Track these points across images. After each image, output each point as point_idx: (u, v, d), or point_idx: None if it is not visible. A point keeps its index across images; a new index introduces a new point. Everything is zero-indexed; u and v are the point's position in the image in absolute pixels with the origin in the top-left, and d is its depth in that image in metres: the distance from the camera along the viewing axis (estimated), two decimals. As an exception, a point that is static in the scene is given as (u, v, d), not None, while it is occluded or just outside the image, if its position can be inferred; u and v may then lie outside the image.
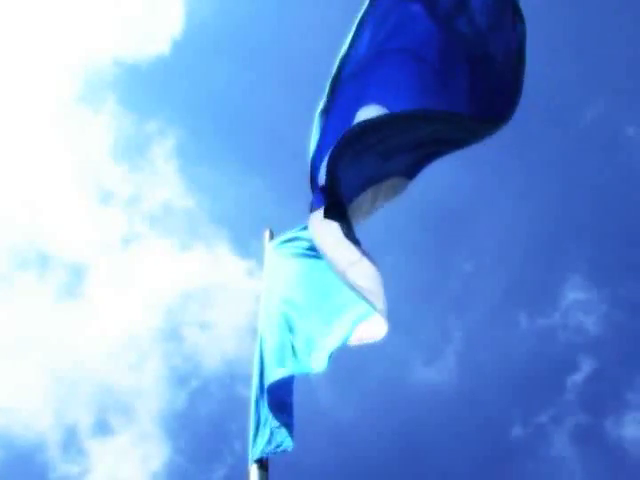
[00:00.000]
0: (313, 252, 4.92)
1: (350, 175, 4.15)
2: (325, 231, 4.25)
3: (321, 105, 4.23)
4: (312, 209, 4.33)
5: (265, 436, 4.06)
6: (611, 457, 13.16)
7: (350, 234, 4.12)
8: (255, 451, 4.02)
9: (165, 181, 15.17)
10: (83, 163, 15.63)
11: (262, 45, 14.95)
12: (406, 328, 13.39)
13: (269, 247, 5.30)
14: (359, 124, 4.14)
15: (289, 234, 5.32)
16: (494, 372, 13.73)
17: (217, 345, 14.22)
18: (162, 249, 14.91)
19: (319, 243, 4.39)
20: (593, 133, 14.10)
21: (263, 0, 15.68)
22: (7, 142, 15.32)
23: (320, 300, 4.68)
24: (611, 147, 14.00)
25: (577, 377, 13.37)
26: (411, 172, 4.45)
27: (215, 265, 14.76)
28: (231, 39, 15.19)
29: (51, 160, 15.54)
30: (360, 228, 4.47)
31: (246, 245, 14.19)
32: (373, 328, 4.32)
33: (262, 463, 3.93)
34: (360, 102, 4.27)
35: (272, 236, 5.43)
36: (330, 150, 4.05)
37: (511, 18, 4.00)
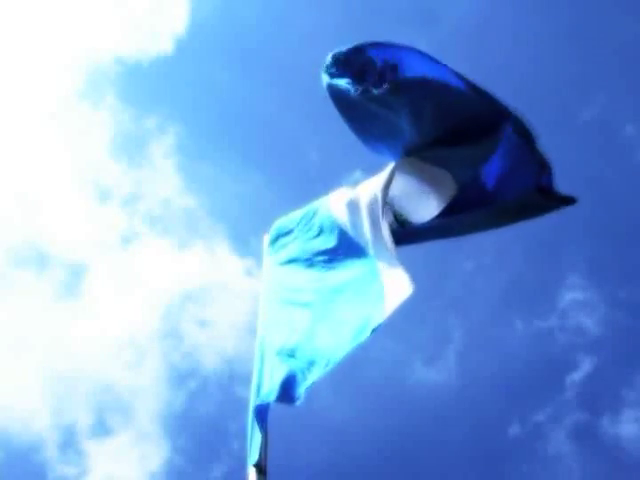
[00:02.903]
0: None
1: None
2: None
3: None
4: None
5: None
6: (608, 455, 13.19)
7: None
8: (254, 451, 4.00)
9: (164, 178, 15.16)
10: (82, 160, 15.63)
11: (264, 44, 14.94)
12: (405, 328, 13.38)
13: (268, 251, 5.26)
14: None
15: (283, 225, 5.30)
16: (493, 371, 13.75)
17: (216, 344, 14.22)
18: (161, 247, 14.90)
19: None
20: (592, 132, 14.11)
21: (266, 0, 15.69)
22: (5, 138, 15.31)
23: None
24: (610, 146, 13.99)
25: (575, 376, 13.38)
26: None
27: (214, 264, 14.75)
28: (233, 38, 15.19)
29: (49, 157, 15.54)
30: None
31: (246, 243, 14.19)
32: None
33: (260, 467, 3.92)
34: None
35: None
36: None
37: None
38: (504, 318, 14.34)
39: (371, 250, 4.57)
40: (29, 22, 14.93)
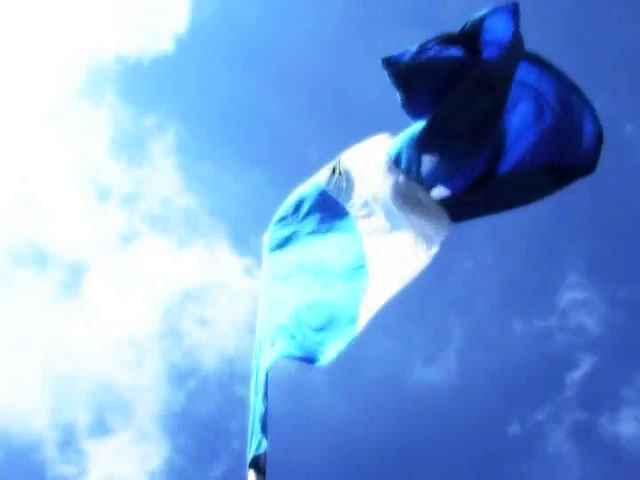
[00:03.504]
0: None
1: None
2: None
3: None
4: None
5: None
6: (608, 454, 13.20)
7: None
8: (253, 449, 4.00)
9: (164, 178, 15.16)
10: (81, 159, 15.64)
11: (264, 44, 14.96)
12: (405, 327, 13.39)
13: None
14: None
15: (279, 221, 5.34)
16: (493, 371, 13.76)
17: (216, 343, 14.22)
18: (161, 247, 14.90)
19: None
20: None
21: (266, 0, 15.70)
22: (5, 137, 15.31)
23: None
24: (610, 145, 13.96)
25: (575, 375, 13.39)
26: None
27: (214, 263, 14.75)
28: (233, 38, 15.22)
29: (49, 156, 15.54)
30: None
31: (245, 243, 14.20)
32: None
33: (259, 467, 3.92)
34: None
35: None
36: None
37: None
38: (504, 317, 14.36)
39: (368, 221, 4.70)
40: (30, 21, 14.96)
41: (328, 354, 4.07)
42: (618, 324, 13.76)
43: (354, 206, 4.89)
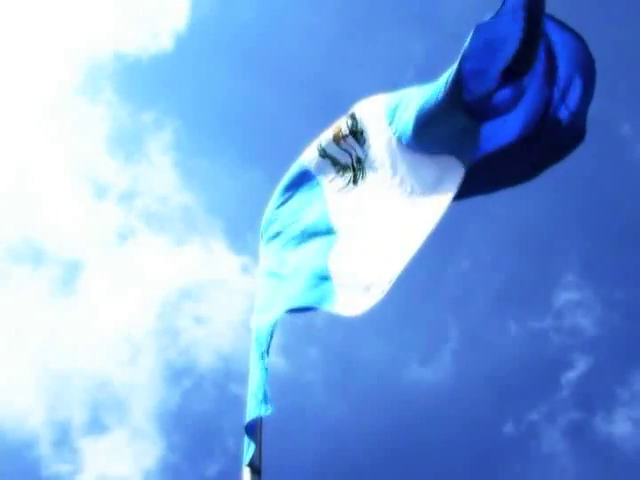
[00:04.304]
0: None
1: None
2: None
3: None
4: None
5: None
6: (602, 454, 13.24)
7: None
8: (249, 450, 3.99)
9: (161, 175, 15.15)
10: (78, 155, 15.61)
11: (263, 41, 14.95)
12: (401, 327, 13.40)
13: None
14: None
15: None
16: (489, 370, 13.77)
17: (212, 341, 14.22)
18: (157, 244, 14.89)
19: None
20: (588, 131, 14.02)
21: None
22: (1, 133, 15.28)
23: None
24: (606, 145, 14.01)
25: (570, 375, 13.42)
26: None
27: (211, 261, 14.75)
28: (232, 35, 15.21)
29: (46, 152, 15.52)
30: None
31: (242, 241, 14.20)
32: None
33: (255, 467, 3.91)
34: None
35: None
36: None
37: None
38: (500, 318, 14.38)
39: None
40: (28, 17, 14.92)
41: (339, 305, 4.00)
42: (614, 325, 13.80)
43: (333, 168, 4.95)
